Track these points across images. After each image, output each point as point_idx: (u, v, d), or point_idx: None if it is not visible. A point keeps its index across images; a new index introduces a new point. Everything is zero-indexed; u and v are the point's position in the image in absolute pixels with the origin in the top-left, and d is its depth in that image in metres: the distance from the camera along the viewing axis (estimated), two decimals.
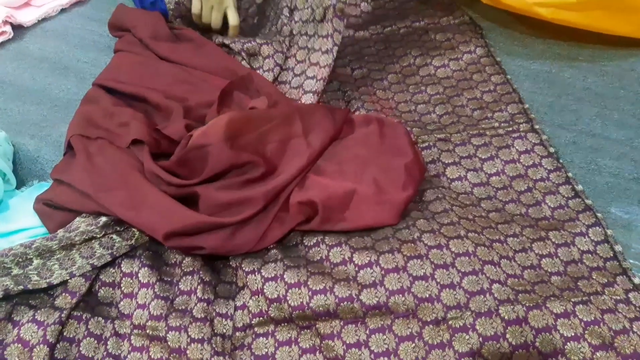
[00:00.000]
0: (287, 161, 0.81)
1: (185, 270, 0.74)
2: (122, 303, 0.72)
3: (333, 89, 1.01)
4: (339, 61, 1.06)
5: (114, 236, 0.75)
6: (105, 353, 0.67)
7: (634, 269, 0.70)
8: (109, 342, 0.68)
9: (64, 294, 0.69)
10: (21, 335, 0.64)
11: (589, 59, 1.02)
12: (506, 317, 0.63)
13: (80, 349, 0.67)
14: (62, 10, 1.22)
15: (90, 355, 0.67)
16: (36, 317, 0.66)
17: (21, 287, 0.69)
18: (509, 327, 0.62)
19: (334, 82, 1.01)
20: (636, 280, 0.69)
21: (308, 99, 0.93)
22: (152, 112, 0.91)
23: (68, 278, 0.71)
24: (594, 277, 0.70)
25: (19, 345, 0.64)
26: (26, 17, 1.19)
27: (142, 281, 0.72)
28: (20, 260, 0.70)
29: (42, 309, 0.67)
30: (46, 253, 0.72)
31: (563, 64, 1.01)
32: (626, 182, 0.82)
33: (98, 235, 0.74)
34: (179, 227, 0.72)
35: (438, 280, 0.68)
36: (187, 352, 0.66)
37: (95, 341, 0.68)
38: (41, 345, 0.64)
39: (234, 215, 0.74)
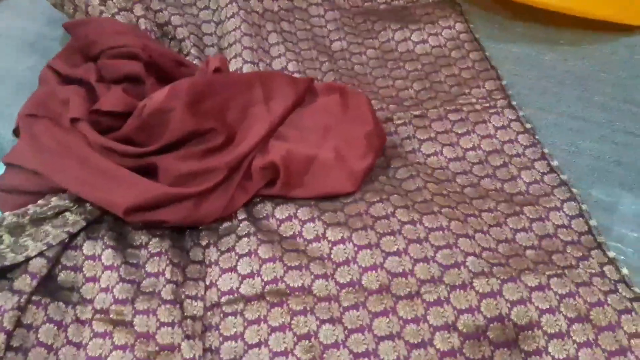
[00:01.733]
0: (248, 128, 0.79)
1: (152, 251, 0.71)
2: (84, 287, 0.67)
3: (311, 57, 0.99)
4: (318, 30, 1.04)
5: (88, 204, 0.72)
6: (65, 340, 0.63)
7: (614, 251, 0.70)
8: (69, 329, 0.64)
9: (23, 275, 0.65)
10: None
11: (569, 42, 1.01)
12: (481, 290, 0.62)
13: (39, 335, 0.62)
14: None
15: (49, 343, 0.62)
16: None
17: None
18: (483, 300, 0.62)
19: (312, 51, 0.99)
20: (611, 254, 0.69)
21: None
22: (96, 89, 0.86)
23: (45, 248, 0.67)
24: (569, 251, 0.70)
25: None
26: None
27: (105, 264, 0.68)
28: None
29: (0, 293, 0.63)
30: (16, 229, 0.68)
31: (543, 47, 1.01)
32: (607, 165, 0.82)
33: (72, 208, 0.71)
34: (141, 201, 0.70)
35: (411, 255, 0.67)
36: (157, 336, 0.63)
37: (55, 327, 0.64)
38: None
39: (196, 185, 0.72)
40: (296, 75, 0.93)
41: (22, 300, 0.62)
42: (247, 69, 0.91)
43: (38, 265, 0.66)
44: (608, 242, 0.71)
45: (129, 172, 0.72)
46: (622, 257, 0.70)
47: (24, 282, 0.64)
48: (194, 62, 0.94)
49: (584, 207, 0.74)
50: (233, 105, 0.81)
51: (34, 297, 0.64)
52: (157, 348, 0.62)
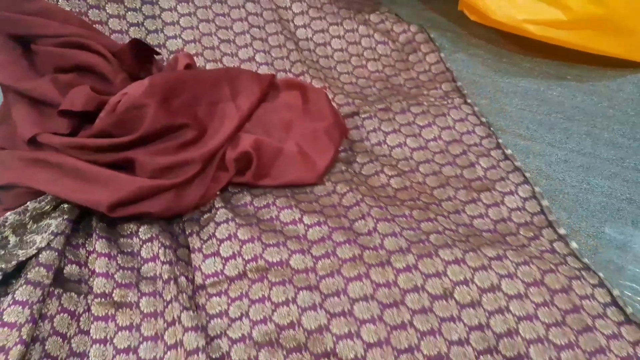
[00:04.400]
0: (218, 124, 0.84)
1: (143, 238, 0.74)
2: (91, 280, 0.70)
3: (278, 44, 1.02)
4: (282, 11, 1.07)
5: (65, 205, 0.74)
6: (77, 329, 0.65)
7: (629, 291, 0.70)
8: (81, 318, 0.66)
9: (37, 267, 0.66)
10: (4, 319, 0.61)
11: (577, 78, 1.01)
12: (446, 258, 0.67)
13: (54, 324, 0.64)
14: None
15: (63, 332, 0.64)
16: (17, 298, 0.63)
17: (14, 262, 0.66)
18: (449, 266, 0.67)
19: (280, 36, 1.03)
20: (561, 231, 0.75)
21: None
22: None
23: (52, 238, 0.69)
24: (521, 233, 0.76)
25: (6, 329, 0.60)
26: None
27: (100, 251, 0.71)
28: None
29: (20, 288, 0.63)
30: (19, 228, 0.71)
31: (552, 83, 1.01)
32: (619, 202, 0.81)
33: (49, 211, 0.73)
34: (123, 195, 0.72)
35: (380, 231, 0.72)
36: (165, 314, 0.65)
37: (69, 317, 0.65)
38: (30, 325, 0.61)
39: (173, 177, 0.76)
40: (264, 66, 0.98)
41: (45, 292, 0.64)
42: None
43: (51, 257, 0.68)
44: (622, 282, 0.71)
45: (106, 169, 0.75)
46: (639, 298, 0.70)
47: (39, 274, 0.65)
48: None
49: (537, 189, 0.80)
50: (203, 102, 0.86)
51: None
52: (164, 325, 0.64)
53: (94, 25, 0.95)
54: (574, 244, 0.73)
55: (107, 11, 0.97)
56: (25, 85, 0.82)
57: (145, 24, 0.99)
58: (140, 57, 0.91)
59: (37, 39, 0.87)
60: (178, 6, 1.01)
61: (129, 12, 0.98)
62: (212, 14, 1.02)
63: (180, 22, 1.00)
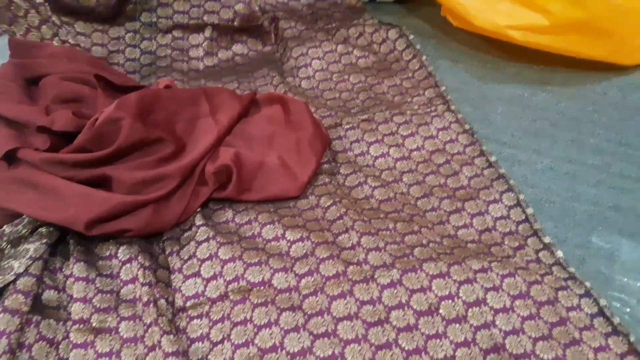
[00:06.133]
0: (197, 139, 0.83)
1: (122, 259, 0.72)
2: (69, 305, 0.68)
3: (262, 74, 1.04)
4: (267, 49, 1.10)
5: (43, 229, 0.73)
6: (56, 358, 0.64)
7: (617, 302, 0.68)
8: (60, 346, 0.64)
9: (15, 294, 0.65)
10: None
11: (561, 82, 0.99)
12: (430, 272, 0.66)
13: (33, 354, 0.62)
14: None
15: None
16: None
17: None
18: (433, 280, 0.66)
19: (263, 69, 1.05)
20: (546, 240, 0.74)
21: None
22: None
23: (31, 262, 0.68)
24: (506, 243, 0.75)
25: None
26: None
27: (77, 275, 0.69)
28: None
29: None
30: None
31: (536, 88, 0.99)
32: (606, 211, 0.79)
33: (26, 235, 0.72)
34: (100, 213, 0.71)
35: (364, 245, 0.71)
36: (145, 338, 0.64)
37: (48, 345, 0.64)
38: (7, 355, 0.60)
39: (151, 193, 0.74)
40: (247, 91, 0.98)
41: (23, 320, 0.63)
42: None
43: (28, 283, 0.66)
44: (610, 293, 0.69)
45: (82, 186, 0.73)
46: (627, 309, 0.68)
47: (17, 301, 0.64)
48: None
49: (521, 196, 0.79)
50: (181, 118, 0.85)
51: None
52: (145, 350, 0.63)
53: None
54: (559, 253, 0.72)
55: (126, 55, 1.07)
56: (10, 109, 0.82)
57: (142, 71, 1.06)
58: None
59: (46, 76, 0.90)
60: (173, 63, 1.07)
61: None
62: (202, 66, 1.08)
63: (173, 74, 1.06)
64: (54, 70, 0.91)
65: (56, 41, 0.99)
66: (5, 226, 0.72)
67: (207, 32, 1.09)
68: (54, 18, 0.99)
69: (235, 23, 1.09)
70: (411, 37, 1.08)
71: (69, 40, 1.00)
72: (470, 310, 0.64)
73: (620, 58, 0.98)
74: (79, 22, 1.02)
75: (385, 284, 0.66)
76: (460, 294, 0.65)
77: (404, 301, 0.64)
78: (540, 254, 0.72)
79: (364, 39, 1.10)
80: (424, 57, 1.04)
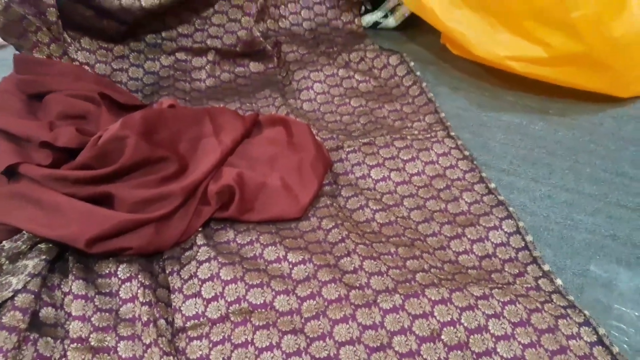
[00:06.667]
0: (200, 159, 0.83)
1: (122, 277, 0.72)
2: (67, 323, 0.68)
3: (265, 96, 1.05)
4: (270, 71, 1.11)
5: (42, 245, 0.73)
6: None
7: (616, 332, 0.68)
8: None
9: (12, 311, 0.64)
10: None
11: (559, 112, 1.01)
12: (433, 298, 0.66)
13: None
14: None
15: None
16: None
17: None
18: (435, 306, 0.66)
19: (265, 91, 1.06)
20: (545, 267, 0.75)
21: None
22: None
23: (29, 279, 0.67)
24: (506, 270, 0.75)
25: None
26: None
27: (76, 293, 0.69)
28: None
29: None
30: None
31: (534, 117, 1.01)
32: (603, 239, 0.79)
33: (25, 251, 0.71)
34: (101, 231, 0.71)
35: (366, 269, 0.71)
36: (144, 359, 0.63)
37: None
38: None
39: (153, 212, 0.74)
40: (249, 112, 0.99)
41: (20, 337, 0.62)
42: None
43: (26, 300, 0.66)
44: (609, 321, 0.69)
45: (84, 204, 0.73)
46: (625, 339, 0.67)
47: (14, 319, 0.63)
48: None
49: (520, 224, 0.80)
50: (184, 138, 0.86)
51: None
52: None
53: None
54: (558, 281, 0.73)
55: (129, 74, 1.08)
56: (12, 124, 0.83)
57: (144, 90, 1.08)
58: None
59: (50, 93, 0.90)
60: (176, 83, 1.09)
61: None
62: (204, 86, 1.10)
63: (175, 94, 1.07)
64: (59, 88, 0.91)
65: (65, 59, 0.99)
66: (4, 242, 0.71)
67: (210, 56, 1.11)
68: (65, 35, 0.99)
69: (238, 48, 1.11)
70: (412, 63, 1.10)
71: (78, 59, 1.01)
72: (472, 337, 0.64)
73: (616, 90, 1.00)
74: (85, 38, 1.03)
75: (388, 308, 0.66)
76: (462, 321, 0.65)
77: (406, 326, 0.64)
78: (539, 282, 0.73)
79: (365, 63, 1.12)
80: (424, 84, 1.06)
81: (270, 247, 0.75)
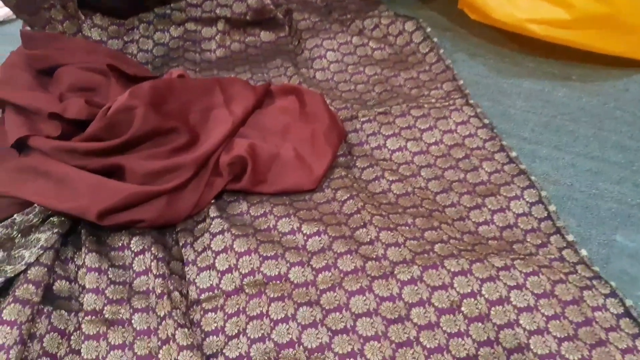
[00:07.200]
0: (211, 129, 0.81)
1: (135, 250, 0.71)
2: (81, 296, 0.67)
3: (276, 65, 1.02)
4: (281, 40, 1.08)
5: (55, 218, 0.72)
6: (67, 349, 0.62)
7: None
8: (72, 337, 0.63)
9: (25, 285, 0.63)
10: None
11: (582, 78, 0.97)
12: (451, 269, 0.64)
13: (44, 344, 0.61)
14: None
15: (53, 352, 0.61)
16: (4, 318, 0.60)
17: (1, 279, 0.64)
18: (455, 278, 0.64)
19: (277, 60, 1.03)
20: (569, 238, 0.72)
21: None
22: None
23: (42, 252, 0.67)
24: (529, 240, 0.73)
25: None
26: None
27: (90, 266, 0.68)
28: None
29: (8, 307, 0.61)
30: (7, 242, 0.68)
31: (556, 83, 0.97)
32: (630, 208, 0.77)
33: (37, 224, 0.71)
34: (112, 203, 0.70)
35: (383, 241, 0.69)
36: (158, 331, 0.63)
37: (59, 336, 0.63)
38: (19, 346, 0.58)
39: (164, 183, 0.73)
40: (261, 83, 0.96)
41: (34, 310, 0.62)
42: None
43: (39, 273, 0.65)
44: (636, 293, 0.67)
45: (94, 175, 0.72)
46: None
47: (27, 292, 0.63)
48: None
49: (543, 193, 0.77)
50: (194, 109, 0.84)
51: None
52: (159, 343, 0.62)
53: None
54: (583, 252, 0.70)
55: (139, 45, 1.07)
56: (21, 96, 0.81)
57: (154, 62, 1.06)
58: None
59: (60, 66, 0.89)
60: (185, 54, 1.07)
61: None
62: (214, 57, 1.07)
63: (185, 65, 1.05)
64: (71, 61, 0.90)
65: (79, 37, 0.98)
66: (15, 215, 0.71)
67: (220, 25, 1.08)
68: (79, 13, 0.98)
69: (248, 17, 1.08)
70: (428, 29, 1.06)
71: (92, 36, 0.99)
72: (493, 308, 0.62)
73: None
74: (97, 15, 1.01)
75: (406, 280, 0.64)
76: (483, 292, 0.63)
77: (424, 298, 0.62)
78: (563, 252, 0.70)
79: (380, 30, 1.09)
80: (441, 51, 1.02)
81: (284, 219, 0.73)
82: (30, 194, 0.71)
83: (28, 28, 0.97)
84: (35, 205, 0.71)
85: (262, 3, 1.07)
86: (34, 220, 0.70)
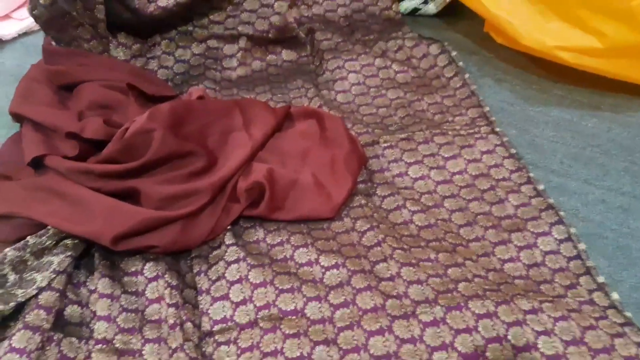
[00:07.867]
0: (229, 153, 0.80)
1: (149, 276, 0.69)
2: (92, 322, 0.65)
3: (297, 86, 1.01)
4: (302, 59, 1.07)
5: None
6: None
7: None
8: None
9: (36, 310, 0.62)
10: None
11: (612, 108, 0.94)
12: (476, 311, 0.62)
13: None
14: None
15: None
16: (13, 345, 0.58)
17: (12, 304, 0.62)
18: (480, 321, 0.61)
19: (298, 81, 1.02)
20: (600, 279, 0.69)
21: None
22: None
23: (55, 276, 0.66)
24: (557, 280, 0.69)
25: None
26: (5, 30, 1.12)
27: (102, 292, 0.66)
28: None
29: (17, 333, 0.59)
30: (20, 265, 0.67)
31: (585, 113, 0.93)
32: None
33: (50, 246, 0.69)
34: (127, 227, 0.68)
35: (404, 277, 0.66)
36: None
37: None
38: None
39: (180, 208, 0.71)
40: (281, 104, 0.95)
41: (44, 337, 0.60)
42: None
43: (51, 299, 0.63)
44: None
45: (110, 199, 0.71)
46: None
47: (38, 318, 0.61)
48: None
49: (572, 230, 0.74)
50: (213, 131, 0.82)
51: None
52: None
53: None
54: (615, 295, 0.67)
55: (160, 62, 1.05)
56: (40, 113, 0.81)
57: (175, 80, 1.04)
58: None
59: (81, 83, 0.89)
60: (206, 72, 1.05)
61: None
62: (235, 75, 1.05)
63: (205, 83, 1.04)
64: (93, 78, 0.90)
65: (105, 56, 0.98)
66: (29, 237, 0.69)
67: (242, 43, 1.07)
68: (108, 32, 0.98)
69: (270, 35, 1.06)
70: (453, 53, 1.03)
71: (118, 56, 0.99)
72: (519, 355, 0.59)
73: None
74: (121, 34, 1.01)
75: (428, 321, 0.61)
76: (509, 337, 0.60)
77: (447, 342, 0.59)
78: (593, 295, 0.67)
79: (403, 52, 1.06)
80: (466, 75, 0.99)
81: (301, 249, 0.71)
82: (45, 216, 0.70)
83: (53, 43, 0.97)
84: (49, 227, 0.70)
85: (285, 21, 1.06)
86: (47, 243, 0.69)
